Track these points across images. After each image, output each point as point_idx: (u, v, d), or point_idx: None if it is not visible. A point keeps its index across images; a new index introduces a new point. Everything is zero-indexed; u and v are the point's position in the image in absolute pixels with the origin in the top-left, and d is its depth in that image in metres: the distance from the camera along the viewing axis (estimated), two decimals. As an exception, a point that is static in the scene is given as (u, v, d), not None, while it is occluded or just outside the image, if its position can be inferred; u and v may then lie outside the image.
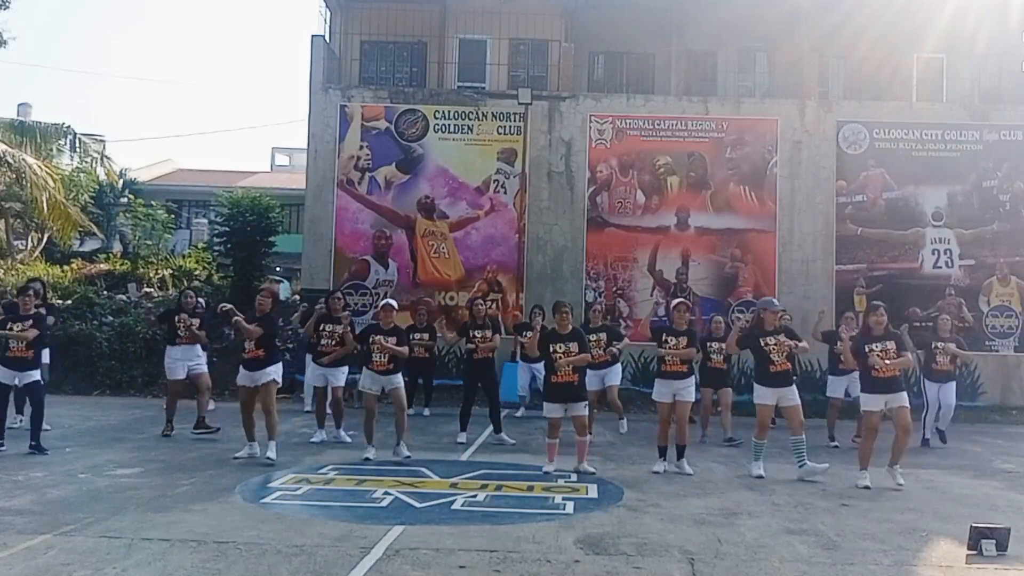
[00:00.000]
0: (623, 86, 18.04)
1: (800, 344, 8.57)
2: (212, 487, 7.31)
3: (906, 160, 15.66)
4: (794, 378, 8.67)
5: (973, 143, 15.72)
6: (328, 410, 10.02)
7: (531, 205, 15.63)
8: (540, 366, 12.06)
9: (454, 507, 6.83)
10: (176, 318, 10.37)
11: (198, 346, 10.52)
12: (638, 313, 15.33)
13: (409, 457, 8.65)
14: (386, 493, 7.20)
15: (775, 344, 8.39)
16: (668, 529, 6.28)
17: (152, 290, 17.86)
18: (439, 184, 15.59)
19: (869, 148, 15.71)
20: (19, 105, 25.92)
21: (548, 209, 15.69)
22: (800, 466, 8.37)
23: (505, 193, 15.63)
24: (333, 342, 9.69)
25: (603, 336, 10.31)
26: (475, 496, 7.22)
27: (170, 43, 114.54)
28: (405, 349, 9.17)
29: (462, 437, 10.18)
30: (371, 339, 8.81)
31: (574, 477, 8.17)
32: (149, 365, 14.95)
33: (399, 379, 8.94)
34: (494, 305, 15.39)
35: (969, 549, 5.82)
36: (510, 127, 15.73)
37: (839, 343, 9.90)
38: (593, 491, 7.58)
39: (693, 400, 8.80)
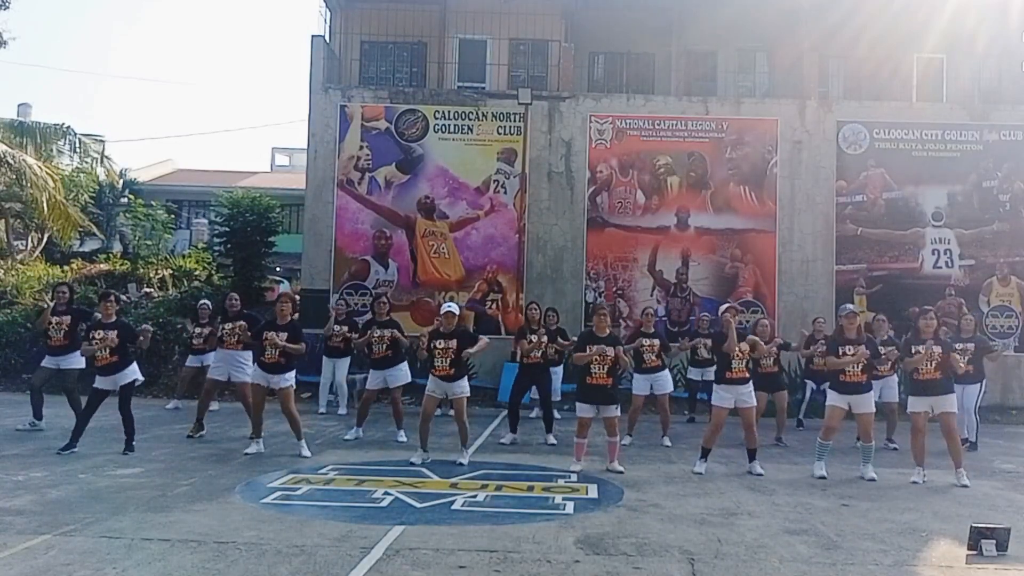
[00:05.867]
0: (623, 86, 18.06)
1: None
2: (212, 487, 7.30)
3: (906, 160, 15.67)
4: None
5: (973, 143, 15.73)
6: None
7: (531, 205, 15.63)
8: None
9: (454, 507, 6.82)
10: (220, 327, 10.38)
11: (247, 352, 10.20)
12: (638, 313, 15.29)
13: (463, 464, 8.57)
14: (386, 493, 7.20)
15: (852, 354, 8.41)
16: (668, 529, 6.28)
17: (152, 290, 17.84)
18: (439, 184, 15.59)
19: (869, 148, 15.71)
20: (19, 105, 25.97)
21: (548, 209, 15.69)
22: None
23: (505, 193, 15.63)
24: (384, 346, 9.90)
25: (656, 342, 10.30)
26: (475, 496, 7.21)
27: (170, 43, 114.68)
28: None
29: (508, 438, 10.27)
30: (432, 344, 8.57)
31: (574, 477, 8.18)
32: (149, 365, 14.90)
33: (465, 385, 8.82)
34: (494, 305, 15.43)
35: (969, 549, 5.82)
36: (510, 127, 15.72)
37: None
38: (593, 491, 7.57)
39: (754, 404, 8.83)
